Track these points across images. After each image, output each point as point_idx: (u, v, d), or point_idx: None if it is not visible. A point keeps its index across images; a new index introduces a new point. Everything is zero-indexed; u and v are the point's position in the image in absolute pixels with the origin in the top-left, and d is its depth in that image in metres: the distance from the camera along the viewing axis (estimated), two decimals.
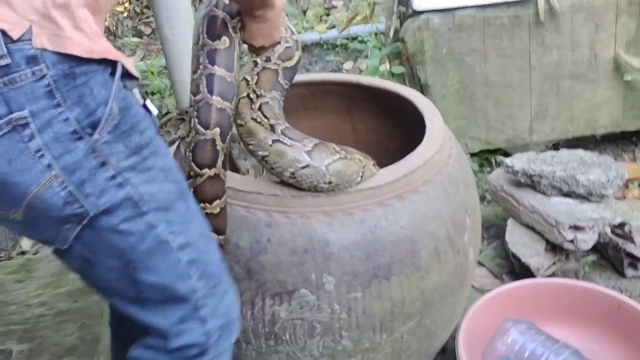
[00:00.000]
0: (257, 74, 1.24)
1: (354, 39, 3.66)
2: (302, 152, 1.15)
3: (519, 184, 1.77)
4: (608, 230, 1.61)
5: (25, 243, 2.23)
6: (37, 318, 1.83)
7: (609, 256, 1.76)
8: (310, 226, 1.18)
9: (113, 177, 0.85)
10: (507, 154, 2.31)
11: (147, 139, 0.90)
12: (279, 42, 1.24)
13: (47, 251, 2.14)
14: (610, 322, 1.53)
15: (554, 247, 1.71)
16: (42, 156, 0.79)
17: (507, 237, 1.75)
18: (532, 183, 1.74)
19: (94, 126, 0.82)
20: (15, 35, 0.74)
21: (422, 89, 2.21)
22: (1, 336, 1.78)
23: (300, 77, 1.51)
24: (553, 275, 1.73)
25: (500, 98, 2.21)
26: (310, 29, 4.01)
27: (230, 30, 1.19)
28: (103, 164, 0.84)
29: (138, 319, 0.98)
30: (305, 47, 3.73)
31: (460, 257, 1.32)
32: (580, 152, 1.80)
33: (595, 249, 1.76)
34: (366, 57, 3.21)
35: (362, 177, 1.20)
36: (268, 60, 1.24)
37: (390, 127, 1.70)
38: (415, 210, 1.23)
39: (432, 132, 1.36)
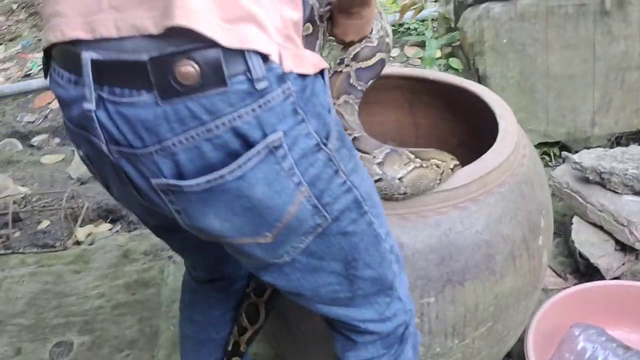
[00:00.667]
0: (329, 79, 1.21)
1: (400, 25, 3.60)
2: (373, 164, 1.11)
3: (586, 181, 1.71)
4: None
5: (81, 233, 2.25)
6: (96, 310, 1.84)
7: None
8: None
9: (344, 182, 0.84)
10: (566, 148, 2.25)
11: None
12: (368, 36, 1.20)
13: (103, 242, 2.16)
14: None
15: (623, 247, 1.65)
16: (293, 174, 0.78)
17: (574, 236, 1.70)
18: (601, 180, 1.67)
19: (327, 136, 0.81)
20: (274, 58, 0.72)
21: (480, 79, 2.15)
22: (62, 327, 1.80)
23: None
24: (622, 276, 1.67)
25: (562, 90, 2.14)
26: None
27: (317, 18, 1.16)
28: (336, 171, 0.83)
29: (344, 319, 0.98)
30: None
31: (535, 261, 1.27)
32: None
33: None
34: (414, 45, 3.14)
35: (439, 183, 1.16)
36: (341, 62, 1.21)
37: (453, 122, 1.66)
38: (491, 213, 1.19)
39: (506, 131, 1.31)
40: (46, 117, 3.43)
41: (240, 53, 0.70)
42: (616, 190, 1.65)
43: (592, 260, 1.62)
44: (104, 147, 0.77)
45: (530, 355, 1.39)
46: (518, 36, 2.04)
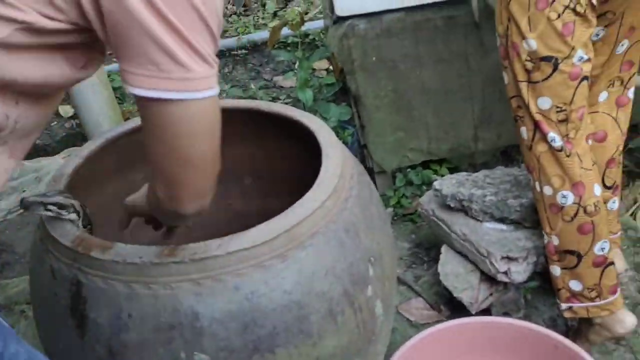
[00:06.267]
0: None
1: (306, 36, 3.49)
2: None
3: (450, 208, 1.61)
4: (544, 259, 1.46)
5: None
6: None
7: None
8: (176, 298, 1.02)
9: None
10: (452, 165, 2.16)
11: None
12: None
13: None
14: None
15: (490, 277, 1.55)
16: None
17: (440, 268, 1.60)
18: (462, 207, 1.58)
19: None
20: None
21: (355, 100, 2.04)
22: None
23: None
24: (491, 307, 1.58)
25: (440, 105, 2.04)
26: (263, 25, 3.83)
27: None
28: None
29: None
30: (257, 47, 3.56)
31: (364, 314, 1.16)
32: (516, 171, 1.64)
33: (539, 274, 1.61)
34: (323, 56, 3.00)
35: None
36: None
37: (305, 156, 1.54)
38: (301, 269, 1.07)
39: (327, 171, 1.19)
40: None
41: None
42: (477, 218, 1.55)
43: (455, 294, 1.52)
44: None
45: None
46: (387, 53, 1.94)
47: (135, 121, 1.45)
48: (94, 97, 1.99)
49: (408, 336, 1.48)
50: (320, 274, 1.08)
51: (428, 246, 1.92)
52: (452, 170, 2.11)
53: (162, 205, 0.88)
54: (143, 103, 0.78)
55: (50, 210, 1.10)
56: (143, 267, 1.02)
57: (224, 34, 3.76)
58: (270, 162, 1.63)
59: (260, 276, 1.04)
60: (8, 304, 1.89)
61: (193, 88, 0.75)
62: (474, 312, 1.54)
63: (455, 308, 1.67)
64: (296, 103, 2.28)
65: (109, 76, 2.44)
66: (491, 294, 1.55)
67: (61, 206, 1.11)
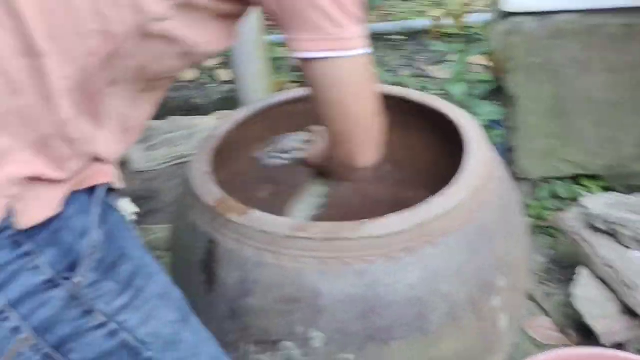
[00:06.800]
0: None
1: (467, 27, 3.38)
2: None
3: (596, 230, 1.50)
4: None
5: None
6: None
7: None
8: (301, 272, 1.04)
9: (102, 325, 0.71)
10: (606, 182, 2.00)
11: (138, 262, 0.77)
12: None
13: None
14: None
15: (630, 310, 1.43)
16: (6, 319, 0.66)
17: (574, 289, 1.49)
18: (611, 231, 1.46)
19: (72, 267, 0.69)
20: None
21: (510, 100, 1.95)
22: None
23: None
24: (627, 343, 1.45)
25: (602, 117, 1.90)
26: (421, 13, 3.76)
27: None
28: (88, 312, 0.70)
29: None
30: (413, 34, 3.51)
31: (487, 323, 1.11)
32: None
33: None
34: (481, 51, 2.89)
35: None
36: None
37: (448, 151, 1.50)
38: (428, 266, 1.05)
39: (470, 171, 1.15)
40: None
41: None
42: (627, 245, 1.43)
43: (586, 320, 1.42)
44: None
45: None
46: (553, 55, 1.82)
47: (286, 93, 1.49)
48: (253, 66, 2.06)
49: (529, 354, 1.41)
50: (447, 275, 1.05)
51: (565, 264, 1.80)
52: (605, 189, 1.96)
53: (340, 161, 1.00)
54: (310, 66, 0.85)
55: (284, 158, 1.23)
56: (273, 237, 1.05)
57: (383, 18, 3.74)
58: (411, 152, 1.60)
59: (386, 266, 1.03)
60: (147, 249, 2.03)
61: (351, 46, 0.83)
62: (605, 344, 1.43)
63: (584, 335, 1.56)
64: (445, 95, 2.22)
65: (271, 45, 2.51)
66: (629, 329, 1.42)
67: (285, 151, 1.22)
